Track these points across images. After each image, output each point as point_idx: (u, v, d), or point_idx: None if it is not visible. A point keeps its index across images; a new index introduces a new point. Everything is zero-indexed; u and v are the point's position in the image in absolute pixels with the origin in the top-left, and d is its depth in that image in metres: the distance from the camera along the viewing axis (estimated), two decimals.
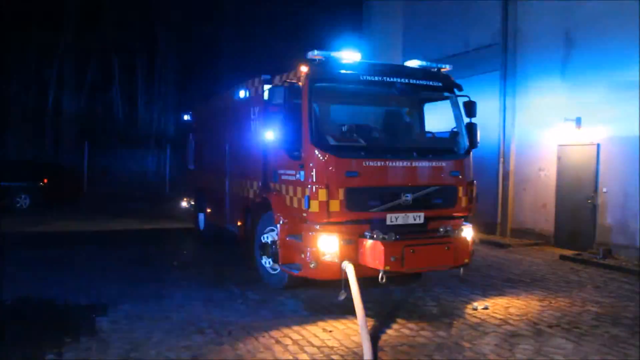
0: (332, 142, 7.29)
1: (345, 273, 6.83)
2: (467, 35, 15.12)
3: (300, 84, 7.31)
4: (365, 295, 6.50)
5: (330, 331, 6.28)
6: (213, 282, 8.63)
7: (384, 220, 7.30)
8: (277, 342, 5.89)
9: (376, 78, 7.63)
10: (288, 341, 5.92)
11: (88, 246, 11.91)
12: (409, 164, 7.56)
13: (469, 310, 7.31)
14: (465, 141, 8.19)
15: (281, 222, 7.63)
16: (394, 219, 7.37)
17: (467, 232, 7.88)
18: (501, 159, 13.89)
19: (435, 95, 8.54)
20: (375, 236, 7.01)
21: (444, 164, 7.86)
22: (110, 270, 9.36)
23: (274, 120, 7.52)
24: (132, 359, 5.33)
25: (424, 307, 7.39)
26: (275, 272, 8.06)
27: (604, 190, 11.54)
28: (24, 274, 8.88)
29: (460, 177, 7.97)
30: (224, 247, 11.60)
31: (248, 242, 9.17)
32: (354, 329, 6.28)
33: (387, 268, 6.76)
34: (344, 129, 7.71)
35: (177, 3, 28.65)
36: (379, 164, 7.32)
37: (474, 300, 7.73)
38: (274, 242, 7.82)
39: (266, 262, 8.16)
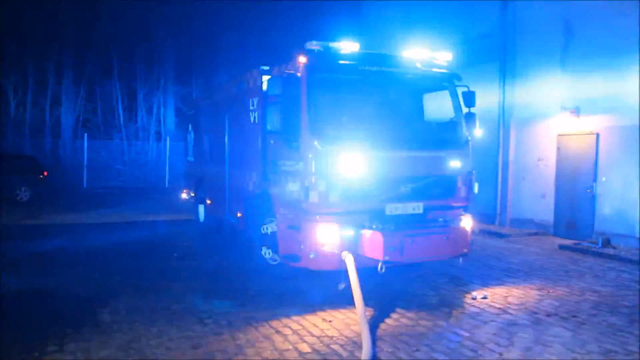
0: (330, 132, 7.29)
1: (345, 263, 6.86)
2: (466, 25, 15.06)
3: (298, 74, 7.30)
4: (364, 285, 6.53)
5: (330, 321, 6.31)
6: (213, 273, 8.67)
7: (383, 210, 7.32)
8: (277, 332, 5.92)
9: (375, 68, 7.62)
10: (288, 331, 5.96)
11: (88, 238, 11.93)
12: (407, 154, 7.56)
13: (468, 299, 7.34)
14: (464, 131, 8.19)
15: (280, 213, 7.65)
16: (393, 209, 7.39)
17: (466, 222, 7.90)
18: (500, 149, 13.89)
19: (435, 85, 8.53)
20: (374, 226, 7.04)
21: (442, 154, 7.86)
22: (110, 262, 9.39)
23: (272, 111, 7.51)
24: (133, 350, 5.35)
25: (423, 297, 7.42)
26: (274, 262, 8.10)
27: (603, 179, 11.56)
28: (25, 266, 8.92)
29: (459, 167, 7.97)
30: (224, 238, 11.63)
31: (248, 233, 9.20)
32: (353, 319, 6.31)
33: (386, 258, 6.78)
34: (343, 119, 7.71)
35: None
36: (377, 154, 7.33)
37: (473, 290, 7.76)
38: (273, 233, 7.85)
39: (266, 252, 8.19)
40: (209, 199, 12.20)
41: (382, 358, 5.25)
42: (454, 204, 8.02)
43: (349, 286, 6.59)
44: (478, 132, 8.33)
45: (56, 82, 27.21)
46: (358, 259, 6.94)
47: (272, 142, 8.11)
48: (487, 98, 12.94)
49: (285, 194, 7.72)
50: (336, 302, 6.96)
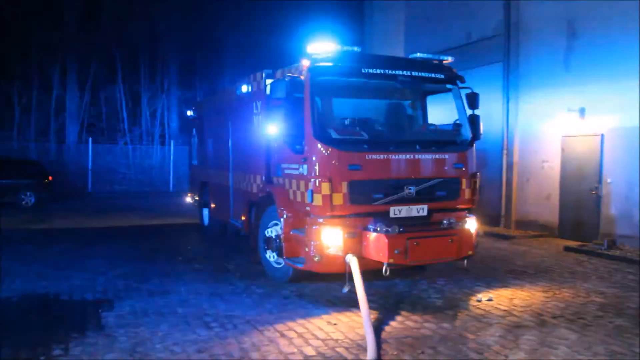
0: (334, 135, 7.29)
1: (349, 266, 6.85)
2: (470, 27, 15.07)
3: (302, 77, 7.32)
4: (369, 288, 6.53)
5: (335, 324, 6.31)
6: (218, 276, 8.67)
7: (388, 213, 7.32)
8: (282, 335, 5.92)
9: (378, 71, 7.62)
10: (293, 334, 5.95)
11: (93, 242, 11.96)
12: (411, 156, 7.56)
13: (473, 302, 7.32)
14: (468, 133, 8.19)
15: (285, 216, 7.65)
16: (398, 211, 7.38)
17: (471, 224, 7.89)
18: (505, 151, 13.86)
19: (438, 87, 8.54)
20: (378, 229, 7.03)
21: (446, 156, 7.86)
22: (115, 265, 9.40)
23: (276, 115, 7.54)
24: (138, 354, 5.36)
25: (427, 299, 7.41)
26: (279, 265, 8.10)
27: (608, 180, 11.52)
28: (30, 270, 8.94)
29: (464, 169, 7.97)
30: (228, 241, 11.64)
31: (252, 237, 9.21)
32: (358, 322, 6.30)
33: (391, 261, 6.78)
34: (347, 122, 7.72)
35: None
36: (381, 156, 7.33)
37: (478, 292, 7.74)
38: (278, 236, 7.85)
39: (270, 256, 8.20)
40: (213, 203, 12.21)
41: None
42: (459, 206, 8.01)
43: (353, 289, 6.58)
44: (481, 133, 8.32)
45: (60, 87, 27.32)
46: (362, 261, 6.94)
47: (275, 145, 8.13)
48: (491, 100, 12.92)
49: (289, 197, 7.74)
50: (341, 305, 6.96)
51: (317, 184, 7.08)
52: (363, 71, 7.53)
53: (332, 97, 8.18)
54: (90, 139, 25.30)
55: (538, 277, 8.81)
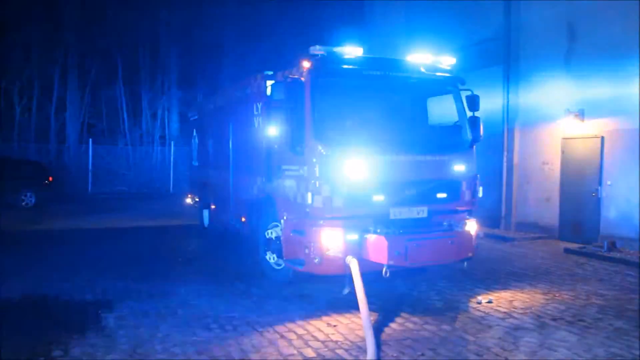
0: (335, 137, 7.29)
1: (349, 268, 6.85)
2: (470, 29, 15.06)
3: (302, 79, 7.32)
4: (369, 290, 6.52)
5: (335, 326, 6.31)
6: (218, 277, 8.67)
7: (388, 214, 7.32)
8: (282, 336, 5.92)
9: (378, 72, 7.63)
10: (292, 336, 5.95)
11: (93, 243, 11.96)
12: (411, 158, 7.56)
13: (473, 303, 7.32)
14: (468, 135, 8.19)
15: (285, 218, 7.65)
16: (398, 213, 7.38)
17: (471, 226, 7.89)
18: (505, 153, 13.85)
19: (438, 89, 8.54)
20: (378, 231, 7.03)
21: (446, 158, 7.85)
22: (115, 266, 9.41)
23: (276, 116, 7.52)
24: (138, 355, 5.36)
25: (427, 301, 7.41)
26: (279, 267, 8.10)
27: (608, 183, 11.52)
28: (30, 270, 8.95)
29: (464, 171, 7.96)
30: (228, 243, 11.63)
31: (252, 238, 9.21)
32: (358, 324, 6.30)
33: (391, 262, 6.78)
34: (347, 123, 7.71)
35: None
36: (381, 158, 7.33)
37: (478, 294, 7.74)
38: (278, 237, 7.85)
39: (270, 257, 8.20)
40: (214, 204, 12.21)
41: None
42: (459, 208, 8.01)
43: (353, 291, 6.58)
44: (482, 135, 8.32)
45: (61, 87, 27.31)
46: (362, 263, 6.93)
47: (276, 146, 8.12)
48: (491, 102, 12.91)
49: (289, 199, 7.73)
50: (341, 306, 6.95)
51: (317, 186, 7.08)
52: (364, 73, 7.54)
53: (332, 98, 8.15)
54: (90, 140, 25.29)
55: (538, 279, 8.81)
